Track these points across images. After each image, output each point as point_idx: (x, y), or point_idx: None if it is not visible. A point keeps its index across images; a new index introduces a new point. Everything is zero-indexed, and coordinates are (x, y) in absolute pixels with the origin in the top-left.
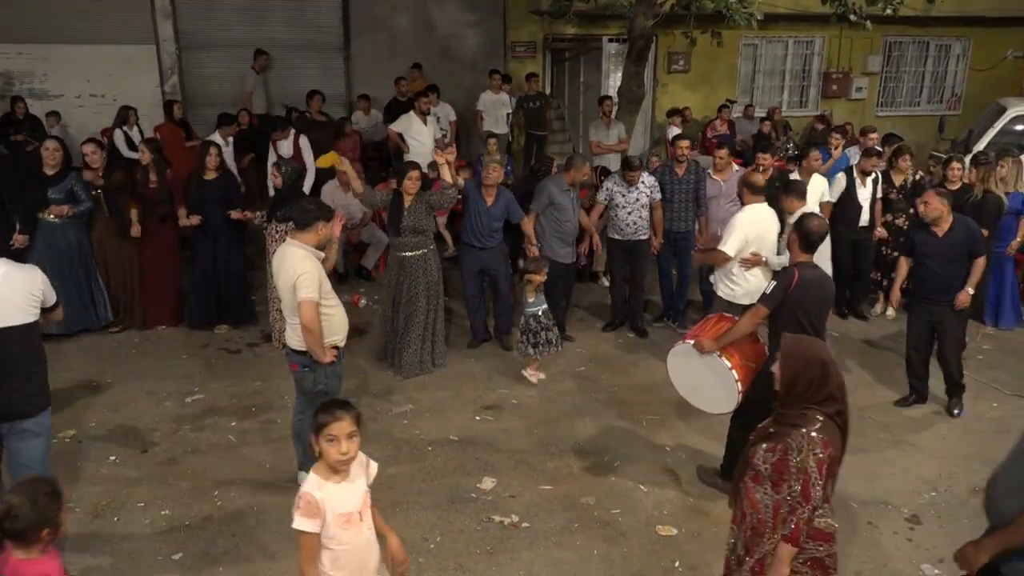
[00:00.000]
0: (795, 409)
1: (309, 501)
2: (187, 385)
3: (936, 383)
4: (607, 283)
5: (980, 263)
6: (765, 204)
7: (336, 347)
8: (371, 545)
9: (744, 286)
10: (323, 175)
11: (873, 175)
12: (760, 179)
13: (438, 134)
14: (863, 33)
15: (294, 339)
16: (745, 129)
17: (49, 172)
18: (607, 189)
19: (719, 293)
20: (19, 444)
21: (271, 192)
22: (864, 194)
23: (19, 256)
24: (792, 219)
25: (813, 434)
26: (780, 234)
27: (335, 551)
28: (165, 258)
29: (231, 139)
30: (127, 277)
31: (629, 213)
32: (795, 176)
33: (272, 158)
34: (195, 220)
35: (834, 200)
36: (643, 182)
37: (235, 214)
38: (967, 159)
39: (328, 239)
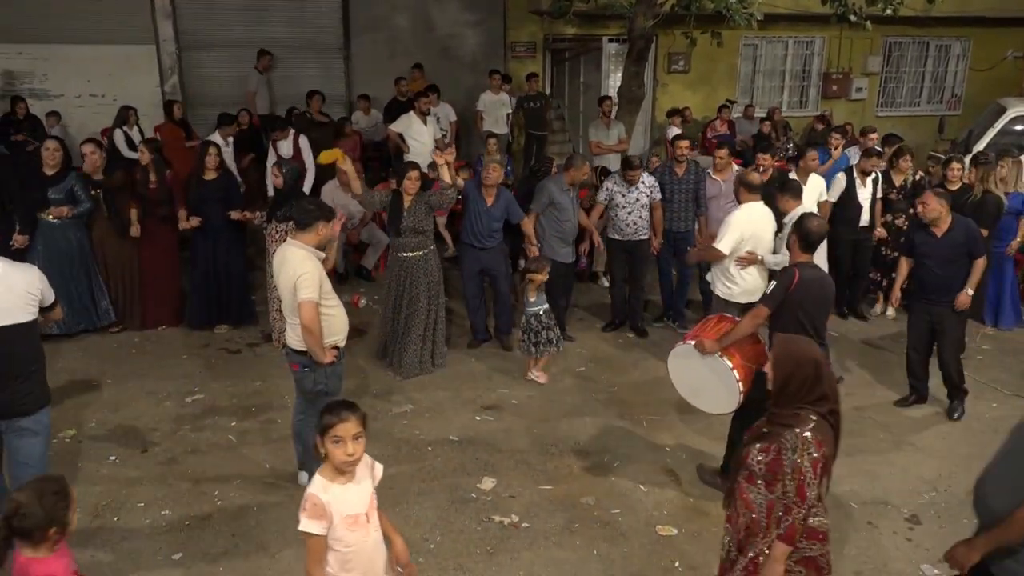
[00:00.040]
0: (788, 409)
1: (315, 503)
2: (187, 385)
3: (936, 383)
4: (607, 283)
5: (980, 264)
6: (761, 203)
7: (336, 347)
8: (379, 547)
9: (741, 285)
10: (323, 175)
11: (873, 175)
12: (756, 177)
13: (438, 134)
14: (863, 33)
15: (294, 339)
16: (745, 129)
17: (49, 172)
18: (607, 189)
19: (716, 292)
20: (18, 442)
21: (271, 192)
22: (864, 194)
23: (19, 256)
24: (788, 218)
25: (807, 434)
26: (777, 233)
27: (343, 553)
28: (165, 258)
29: (231, 139)
30: (127, 277)
31: (629, 213)
32: (793, 176)
33: (272, 158)
34: (194, 222)
35: (834, 200)
36: (643, 182)
37: (235, 214)
38: (967, 159)
39: (329, 239)
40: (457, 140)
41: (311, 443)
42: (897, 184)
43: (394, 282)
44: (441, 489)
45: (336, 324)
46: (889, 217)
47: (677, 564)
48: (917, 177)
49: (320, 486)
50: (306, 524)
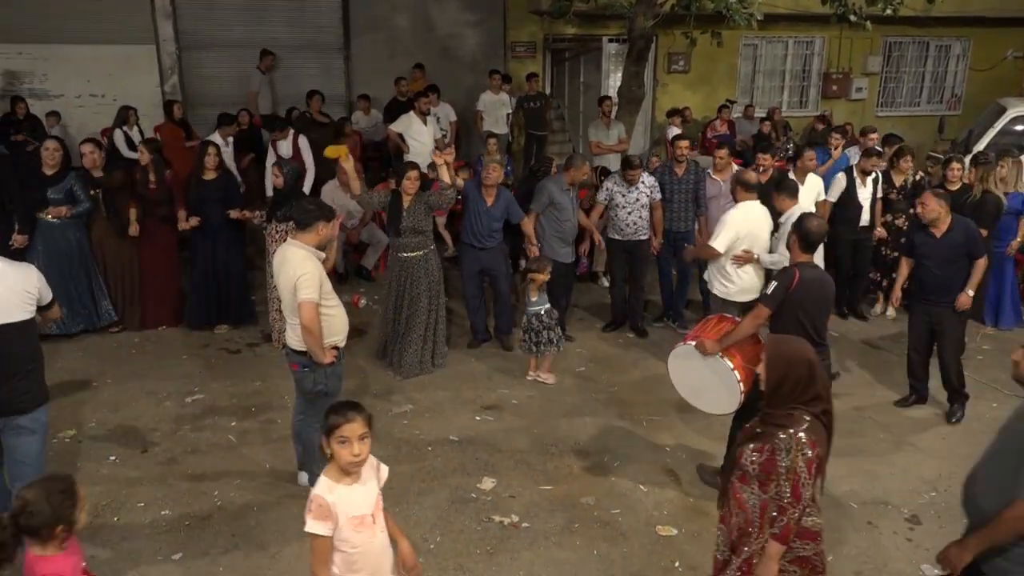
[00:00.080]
0: (782, 409)
1: (321, 504)
2: (187, 385)
3: (936, 384)
4: (607, 283)
5: (980, 264)
6: (758, 202)
7: (336, 347)
8: (385, 548)
9: (738, 283)
10: (323, 175)
11: (873, 175)
12: (753, 176)
13: (438, 134)
14: (863, 33)
15: (294, 339)
16: (745, 129)
17: (48, 172)
18: (607, 189)
19: (714, 291)
20: (15, 440)
21: (270, 192)
22: (864, 194)
23: (19, 256)
24: (784, 218)
25: (801, 435)
26: (773, 232)
27: (349, 554)
28: (165, 258)
29: (231, 139)
30: (127, 277)
31: (629, 213)
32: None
33: (271, 158)
34: (194, 222)
35: (834, 200)
36: (643, 182)
37: (234, 213)
38: (967, 159)
39: (329, 239)
40: (457, 140)
41: (311, 443)
42: (897, 184)
43: (394, 282)
44: (441, 489)
45: (336, 324)
46: (889, 217)
47: (677, 564)
48: (917, 177)
49: (326, 487)
50: (312, 525)
